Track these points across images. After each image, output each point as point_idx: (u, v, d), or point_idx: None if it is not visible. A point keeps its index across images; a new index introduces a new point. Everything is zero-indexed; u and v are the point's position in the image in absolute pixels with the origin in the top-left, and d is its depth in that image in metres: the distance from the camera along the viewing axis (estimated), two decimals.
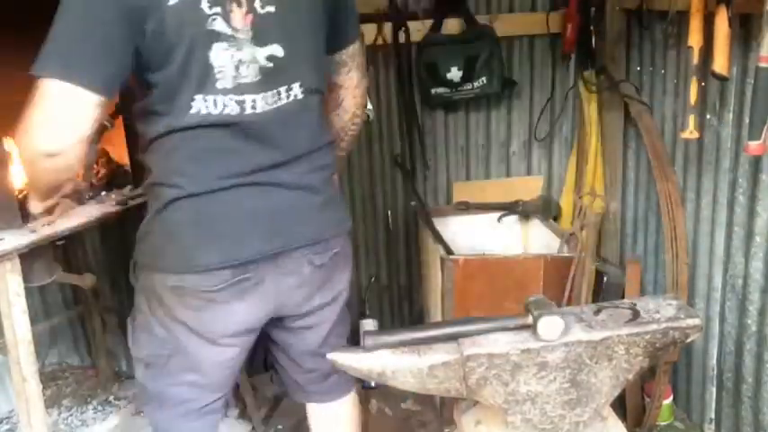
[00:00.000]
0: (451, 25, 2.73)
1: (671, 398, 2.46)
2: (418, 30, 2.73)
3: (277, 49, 1.39)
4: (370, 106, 2.79)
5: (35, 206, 1.70)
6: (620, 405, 2.39)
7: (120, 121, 2.13)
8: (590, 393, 1.39)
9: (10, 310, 1.80)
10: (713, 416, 2.34)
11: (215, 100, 1.35)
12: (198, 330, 1.49)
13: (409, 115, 2.84)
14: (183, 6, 1.28)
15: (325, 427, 1.83)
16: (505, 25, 2.74)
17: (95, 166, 2.23)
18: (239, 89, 1.37)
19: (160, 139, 1.40)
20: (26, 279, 1.85)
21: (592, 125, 2.74)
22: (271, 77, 1.40)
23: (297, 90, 1.45)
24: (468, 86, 2.69)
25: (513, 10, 2.80)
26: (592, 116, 2.73)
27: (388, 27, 2.72)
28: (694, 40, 1.94)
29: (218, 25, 1.31)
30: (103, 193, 2.14)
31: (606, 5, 2.59)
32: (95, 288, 2.74)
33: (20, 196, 1.90)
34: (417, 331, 1.38)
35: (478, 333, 1.36)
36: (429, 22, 2.73)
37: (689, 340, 1.39)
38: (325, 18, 1.49)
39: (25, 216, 1.89)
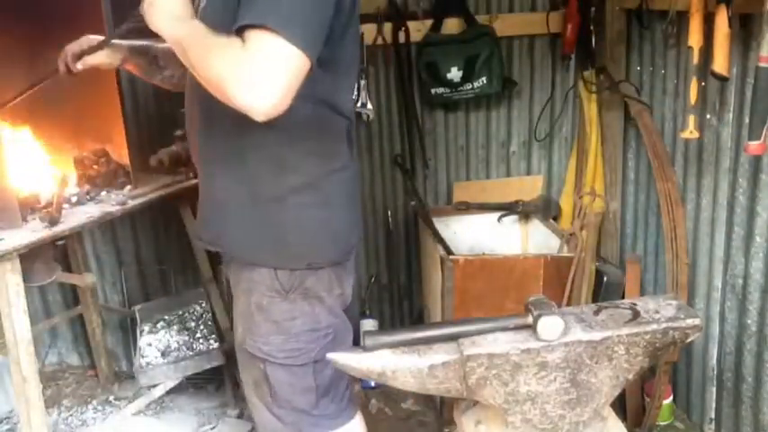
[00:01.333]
0: (451, 25, 2.73)
1: (671, 398, 2.46)
2: (418, 30, 2.73)
3: None
4: (370, 106, 2.79)
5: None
6: (620, 405, 2.39)
7: (119, 120, 2.14)
8: (590, 393, 1.39)
9: (10, 310, 1.80)
10: (713, 416, 2.34)
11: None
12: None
13: (409, 115, 2.84)
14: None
15: None
16: (505, 25, 2.74)
17: None
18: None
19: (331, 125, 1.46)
20: (26, 279, 1.85)
21: (592, 125, 2.74)
22: None
23: None
24: (468, 86, 2.69)
25: (513, 10, 2.81)
26: (592, 116, 2.73)
27: (388, 27, 2.72)
28: (694, 40, 1.94)
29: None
30: (103, 192, 2.14)
31: (606, 5, 2.59)
32: (95, 288, 2.75)
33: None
34: (417, 331, 1.38)
35: (478, 333, 1.36)
36: (429, 22, 2.73)
37: (689, 340, 1.39)
38: None
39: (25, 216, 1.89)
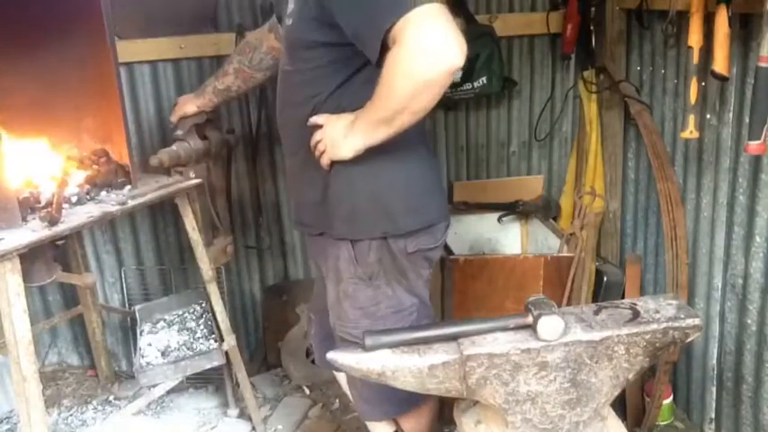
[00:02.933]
0: None
1: (671, 398, 2.46)
2: None
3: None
4: None
5: (356, 143, 1.53)
6: (620, 405, 2.39)
7: (119, 120, 2.13)
8: (590, 393, 1.39)
9: (10, 310, 1.80)
10: (713, 416, 2.34)
11: None
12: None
13: None
14: None
15: None
16: (505, 25, 2.74)
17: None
18: None
19: None
20: (26, 279, 1.84)
21: (592, 125, 2.74)
22: None
23: None
24: (468, 86, 2.69)
25: (513, 10, 2.81)
26: (592, 116, 2.73)
27: None
28: (694, 40, 1.94)
29: None
30: (103, 192, 2.14)
31: (606, 5, 2.59)
32: (95, 288, 2.74)
33: None
34: (417, 331, 1.38)
35: (478, 333, 1.36)
36: None
37: (689, 340, 1.39)
38: None
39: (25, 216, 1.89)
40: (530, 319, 1.35)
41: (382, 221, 1.59)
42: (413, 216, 1.61)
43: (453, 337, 1.36)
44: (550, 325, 1.32)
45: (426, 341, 1.36)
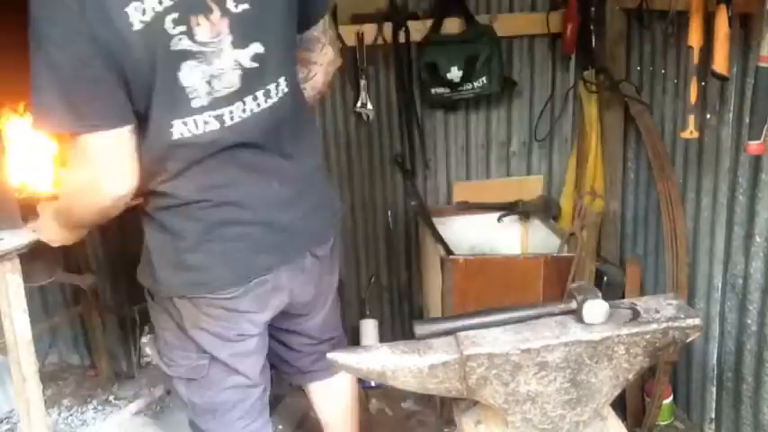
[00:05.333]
0: (451, 25, 2.73)
1: (671, 398, 2.46)
2: (418, 30, 2.73)
3: (258, 47, 1.35)
4: (370, 106, 2.79)
5: (57, 239, 1.66)
6: (620, 405, 2.39)
7: None
8: (590, 393, 1.39)
9: (10, 310, 1.80)
10: (713, 416, 2.34)
11: (195, 120, 1.32)
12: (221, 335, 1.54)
13: (409, 115, 2.84)
14: (147, 30, 1.22)
15: (330, 400, 1.94)
16: (505, 25, 2.74)
17: None
18: (216, 104, 1.34)
19: (158, 162, 1.38)
20: (26, 279, 1.84)
21: (592, 125, 2.74)
22: (255, 80, 1.37)
23: (283, 85, 1.43)
24: (468, 86, 2.69)
25: (513, 10, 2.80)
26: (592, 116, 2.73)
27: (388, 27, 2.72)
28: (694, 40, 1.94)
29: (184, 44, 1.26)
30: None
31: (606, 5, 2.59)
32: (95, 288, 2.74)
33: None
34: (464, 319, 1.40)
35: (524, 320, 1.39)
36: (429, 22, 2.72)
37: (689, 340, 1.39)
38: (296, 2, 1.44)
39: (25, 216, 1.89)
40: (574, 305, 1.36)
41: None
42: None
43: (502, 324, 1.38)
44: (596, 309, 1.34)
45: (475, 327, 1.37)
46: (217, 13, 1.28)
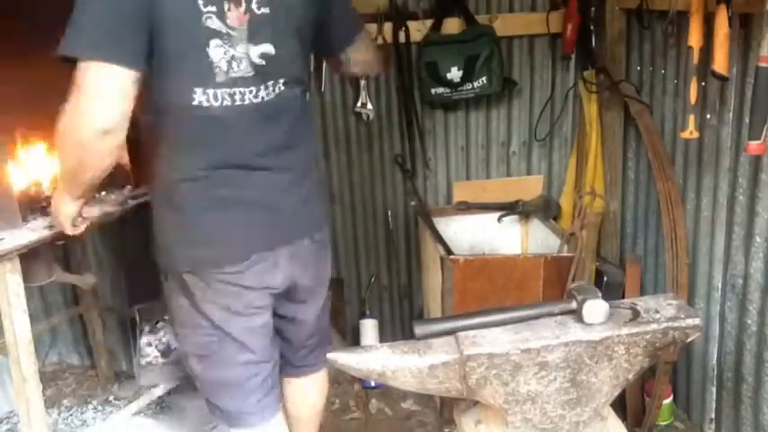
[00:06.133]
0: (451, 25, 2.73)
1: (671, 398, 2.46)
2: (418, 30, 2.73)
3: (269, 48, 1.50)
4: (370, 106, 2.79)
5: (67, 208, 1.67)
6: (620, 405, 2.39)
7: None
8: (590, 393, 1.39)
9: (10, 310, 1.80)
10: (713, 416, 2.34)
11: (215, 93, 1.45)
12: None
13: (409, 115, 2.84)
14: (180, 2, 1.37)
15: (306, 396, 1.98)
16: (505, 25, 2.74)
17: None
18: (231, 83, 1.46)
19: (168, 132, 1.50)
20: (26, 279, 1.85)
21: (592, 125, 2.74)
22: (263, 74, 1.50)
23: (281, 84, 1.56)
24: (469, 86, 2.69)
25: (513, 10, 2.80)
26: (592, 116, 2.73)
27: (388, 27, 2.72)
28: (694, 40, 1.94)
29: (214, 23, 1.40)
30: (103, 193, 2.14)
31: (606, 5, 2.59)
32: (95, 288, 2.74)
33: (44, 203, 1.94)
34: (465, 319, 1.40)
35: (524, 319, 1.39)
36: (429, 22, 2.73)
37: (689, 340, 1.40)
38: (318, 21, 1.61)
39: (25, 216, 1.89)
40: (574, 305, 1.36)
41: None
42: None
43: (502, 324, 1.39)
44: (596, 309, 1.35)
45: (475, 327, 1.38)
46: (243, 6, 1.43)
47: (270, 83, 1.53)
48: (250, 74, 1.48)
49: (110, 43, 1.33)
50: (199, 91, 1.44)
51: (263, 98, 1.52)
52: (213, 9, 1.39)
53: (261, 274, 1.59)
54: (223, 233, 1.54)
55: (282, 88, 1.56)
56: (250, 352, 1.65)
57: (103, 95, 1.34)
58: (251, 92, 1.49)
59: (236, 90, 1.47)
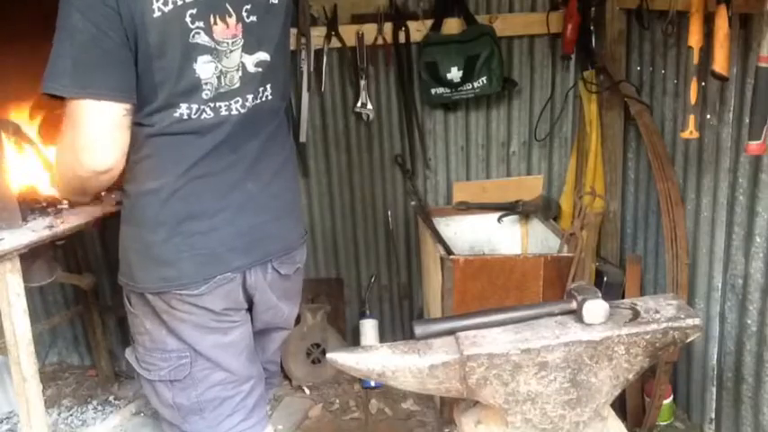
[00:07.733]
0: (451, 25, 2.73)
1: (671, 398, 2.46)
2: (418, 30, 2.73)
3: (264, 56, 1.47)
4: (370, 106, 2.79)
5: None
6: (620, 405, 2.39)
7: None
8: (590, 393, 1.39)
9: (10, 310, 1.80)
10: (713, 416, 2.34)
11: (199, 107, 1.40)
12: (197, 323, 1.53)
13: (409, 115, 2.84)
14: (165, 19, 1.31)
15: None
16: (505, 25, 2.74)
17: None
18: (217, 98, 1.42)
19: (142, 144, 1.43)
20: (26, 279, 1.85)
21: (592, 125, 2.74)
22: (251, 83, 1.47)
23: (269, 91, 1.52)
24: (468, 86, 2.69)
25: (513, 10, 2.80)
26: (592, 116, 2.73)
27: (388, 27, 2.72)
28: (694, 40, 1.94)
29: (202, 38, 1.36)
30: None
31: (606, 5, 2.59)
32: (95, 288, 2.75)
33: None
34: (464, 319, 1.39)
35: (524, 319, 1.38)
36: (429, 22, 2.73)
37: (689, 340, 1.39)
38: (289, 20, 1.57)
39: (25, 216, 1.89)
40: (574, 305, 1.36)
41: None
42: None
43: (502, 324, 1.38)
44: (596, 309, 1.34)
45: (475, 327, 1.37)
46: (234, 17, 1.40)
47: (260, 89, 1.49)
48: (236, 85, 1.43)
49: (96, 79, 1.28)
50: (183, 106, 1.39)
51: (248, 107, 1.47)
52: (201, 24, 1.35)
53: (226, 295, 1.51)
54: (188, 254, 1.45)
55: (270, 96, 1.51)
56: (223, 371, 1.55)
57: (98, 134, 1.31)
58: (237, 102, 1.44)
59: (222, 104, 1.42)
